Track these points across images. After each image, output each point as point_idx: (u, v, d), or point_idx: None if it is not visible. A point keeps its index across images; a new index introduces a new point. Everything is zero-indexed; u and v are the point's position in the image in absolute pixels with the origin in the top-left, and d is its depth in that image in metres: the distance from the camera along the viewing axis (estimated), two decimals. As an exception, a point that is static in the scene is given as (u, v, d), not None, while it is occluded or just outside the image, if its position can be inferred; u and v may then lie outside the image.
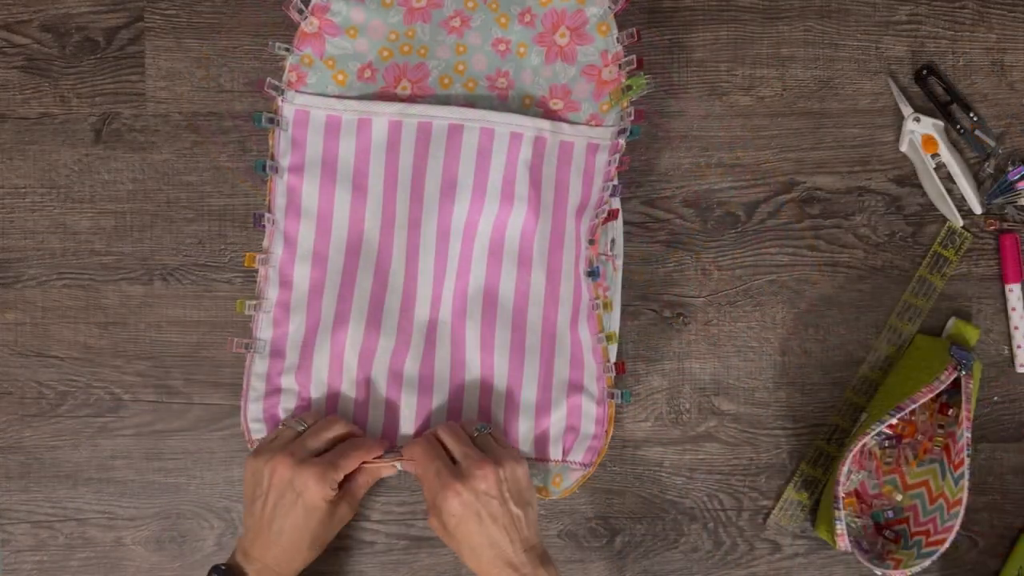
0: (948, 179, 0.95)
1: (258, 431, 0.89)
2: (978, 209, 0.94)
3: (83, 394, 0.93)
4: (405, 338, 0.90)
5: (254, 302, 0.89)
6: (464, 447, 0.82)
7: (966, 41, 0.96)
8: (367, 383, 0.90)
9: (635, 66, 0.90)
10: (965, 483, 0.88)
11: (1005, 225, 0.96)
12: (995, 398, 0.96)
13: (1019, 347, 0.95)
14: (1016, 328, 0.95)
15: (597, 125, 0.91)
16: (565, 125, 0.91)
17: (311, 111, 0.91)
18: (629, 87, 0.90)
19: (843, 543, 0.87)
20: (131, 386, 0.94)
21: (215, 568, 0.82)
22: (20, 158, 0.94)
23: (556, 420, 0.90)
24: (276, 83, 0.90)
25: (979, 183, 0.96)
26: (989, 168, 0.95)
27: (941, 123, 0.94)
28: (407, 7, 0.91)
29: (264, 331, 0.90)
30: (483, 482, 0.79)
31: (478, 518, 0.79)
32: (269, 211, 0.90)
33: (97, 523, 0.94)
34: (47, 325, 0.93)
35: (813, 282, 0.96)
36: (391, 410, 0.90)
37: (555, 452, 0.90)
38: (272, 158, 0.90)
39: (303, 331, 0.90)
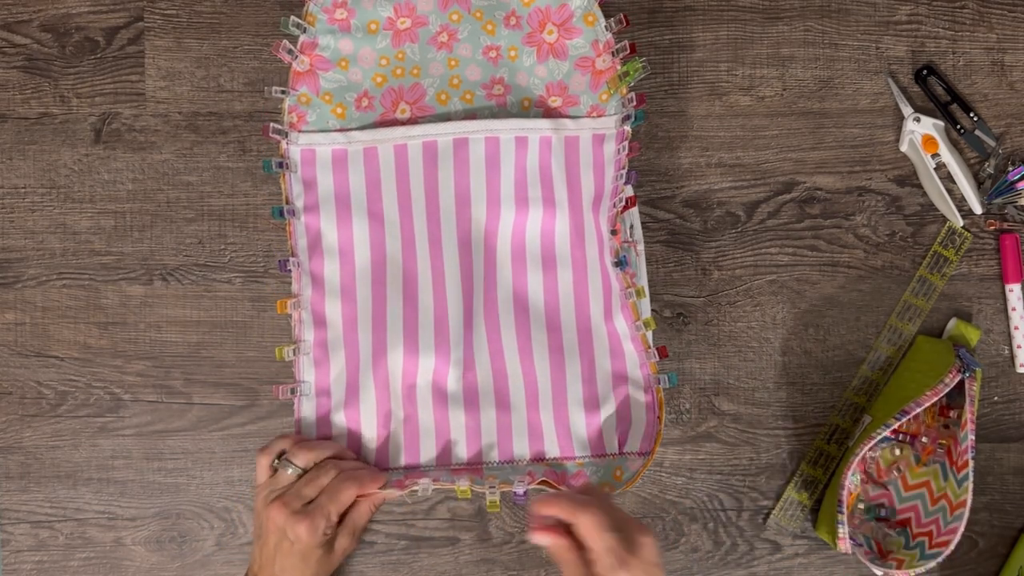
0: (948, 179, 0.94)
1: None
2: (978, 209, 0.94)
3: (83, 394, 0.92)
4: (444, 356, 0.89)
5: (293, 347, 0.88)
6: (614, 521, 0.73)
7: (966, 41, 0.95)
8: (415, 407, 0.90)
9: (628, 52, 0.88)
10: (969, 485, 0.87)
11: (1005, 225, 0.95)
12: (995, 398, 0.95)
13: (1019, 347, 0.94)
14: (1016, 328, 0.94)
15: (599, 116, 0.90)
16: (567, 121, 0.90)
17: (317, 148, 0.90)
18: (626, 73, 0.88)
19: (845, 546, 0.86)
20: (131, 386, 0.93)
21: None
22: (20, 158, 0.93)
23: (606, 414, 0.89)
24: (279, 127, 0.89)
25: (979, 183, 0.95)
26: (989, 168, 0.94)
27: (941, 123, 0.93)
28: (393, 30, 0.90)
29: (307, 373, 0.89)
30: (649, 552, 0.72)
31: None
32: (293, 254, 0.89)
33: (97, 523, 0.93)
34: (47, 325, 0.93)
35: (813, 282, 0.95)
36: (441, 432, 0.89)
37: (611, 446, 0.88)
38: (287, 202, 0.89)
39: (345, 366, 0.90)
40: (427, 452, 0.89)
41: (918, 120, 0.92)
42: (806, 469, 0.93)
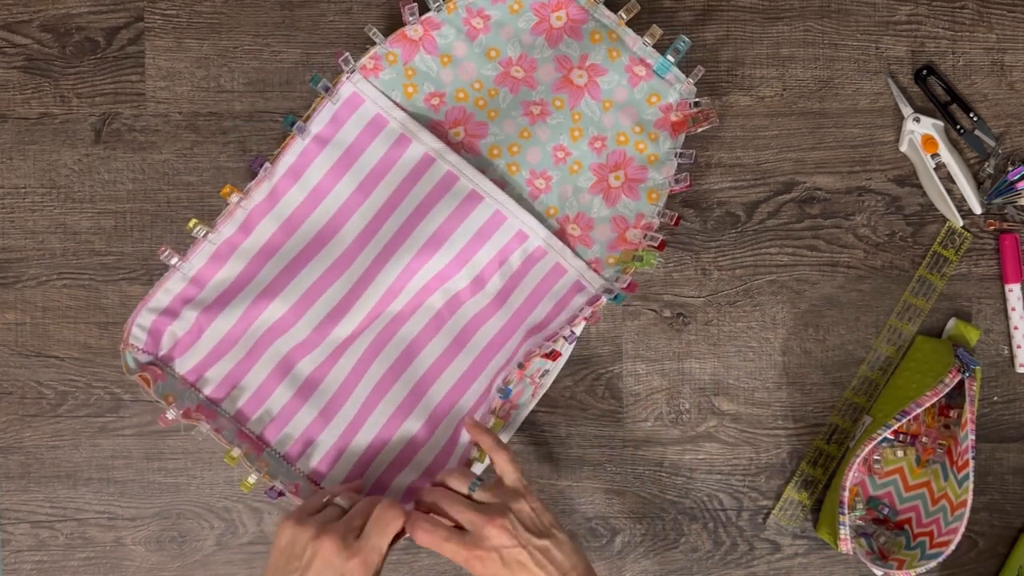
0: (948, 179, 0.93)
1: (137, 339, 0.86)
2: (978, 209, 0.93)
3: (83, 394, 0.92)
4: (316, 339, 0.88)
5: (207, 228, 0.87)
6: (466, 513, 0.78)
7: (966, 41, 0.94)
8: (256, 356, 0.88)
9: (658, 245, 0.87)
10: (970, 484, 0.86)
11: (1005, 225, 0.94)
12: (995, 398, 0.94)
13: (1019, 347, 0.93)
14: (1016, 328, 0.93)
15: (595, 271, 0.90)
16: (570, 252, 0.90)
17: (366, 101, 0.89)
18: (640, 258, 0.87)
19: (846, 547, 0.86)
20: (131, 386, 0.92)
21: None
22: (20, 158, 0.92)
23: (393, 488, 0.88)
24: (351, 60, 0.88)
25: (979, 183, 0.94)
26: (989, 168, 0.94)
27: (941, 123, 0.92)
28: (505, 70, 0.90)
29: (199, 258, 0.88)
30: (497, 538, 0.77)
31: (510, 572, 0.77)
32: (271, 162, 0.88)
33: (97, 523, 0.92)
34: (47, 325, 0.92)
35: (813, 282, 0.94)
36: (259, 395, 0.88)
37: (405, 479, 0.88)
38: (305, 120, 0.88)
39: (234, 278, 0.88)
40: (233, 401, 0.88)
41: (918, 120, 0.92)
42: (806, 469, 0.93)
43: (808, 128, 0.93)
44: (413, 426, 0.89)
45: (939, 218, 0.93)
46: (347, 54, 0.87)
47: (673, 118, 0.90)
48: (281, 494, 0.85)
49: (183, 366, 0.88)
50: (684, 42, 0.87)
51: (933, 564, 0.86)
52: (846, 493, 0.85)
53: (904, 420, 0.85)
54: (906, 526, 0.91)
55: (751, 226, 0.93)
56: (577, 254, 0.90)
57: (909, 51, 0.93)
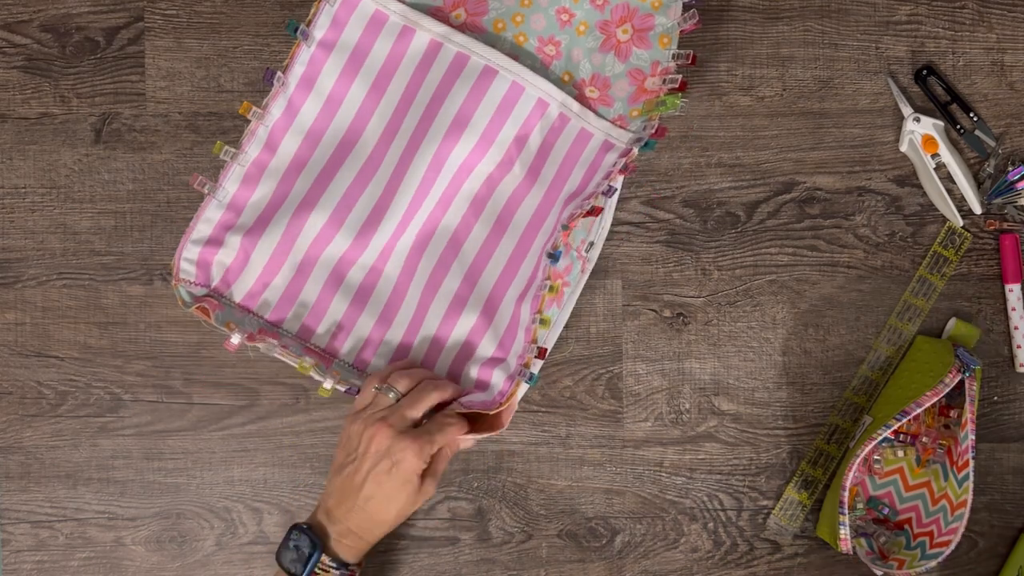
0: (948, 179, 0.93)
1: (187, 272, 0.85)
2: (978, 209, 0.93)
3: (83, 394, 0.92)
4: (361, 245, 0.88)
5: (234, 150, 0.86)
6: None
7: (966, 41, 0.94)
8: (307, 272, 0.88)
9: (677, 86, 0.86)
10: (970, 484, 0.86)
11: (1005, 225, 0.94)
12: (995, 398, 0.94)
13: (1019, 347, 0.93)
14: (1016, 328, 0.93)
15: (621, 127, 0.89)
16: (592, 115, 0.89)
17: None
18: (663, 103, 0.86)
19: (846, 547, 0.86)
20: (131, 386, 0.92)
21: (295, 526, 0.80)
22: (20, 158, 0.92)
23: (468, 374, 0.88)
24: None
25: (979, 183, 0.94)
26: (989, 168, 0.93)
27: (941, 123, 0.92)
28: None
29: (232, 183, 0.87)
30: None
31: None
32: (283, 72, 0.87)
33: (97, 523, 0.92)
34: (47, 325, 0.92)
35: (813, 282, 0.94)
36: (318, 309, 0.88)
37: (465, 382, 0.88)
38: (307, 25, 0.87)
39: (269, 198, 0.88)
40: (294, 321, 0.88)
41: (918, 120, 0.91)
42: (806, 469, 0.93)
43: (808, 128, 0.93)
44: (471, 317, 0.88)
45: (939, 218, 0.93)
46: None
47: None
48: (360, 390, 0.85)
49: (238, 293, 0.88)
50: None
51: (933, 564, 0.86)
52: (846, 493, 0.85)
53: (904, 420, 0.84)
54: (906, 526, 0.91)
55: (751, 226, 0.93)
56: (600, 115, 0.89)
57: (909, 51, 0.93)
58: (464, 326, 0.88)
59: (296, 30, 0.85)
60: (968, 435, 0.86)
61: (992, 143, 0.93)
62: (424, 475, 0.80)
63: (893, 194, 0.93)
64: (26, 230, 0.91)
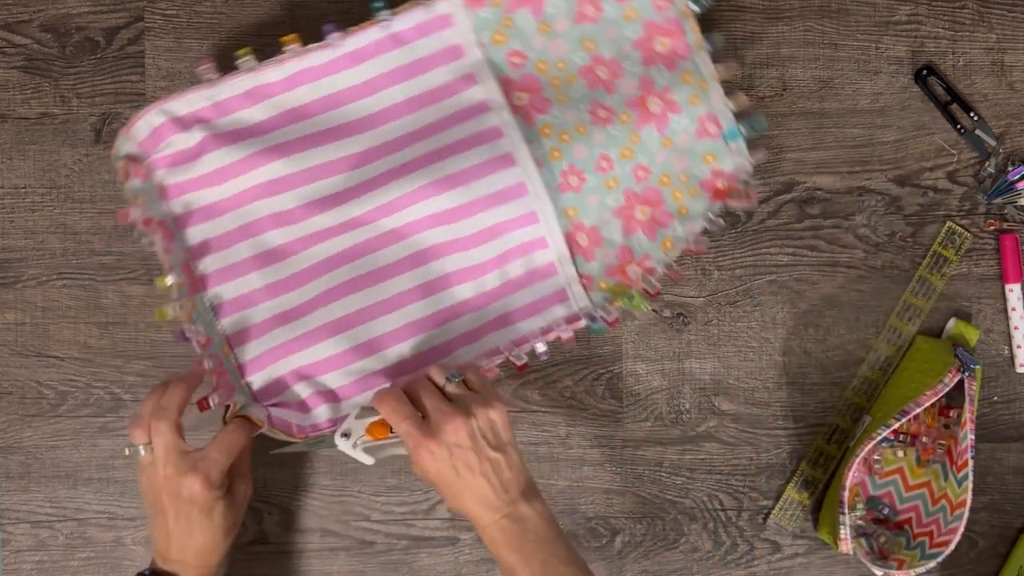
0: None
1: (138, 131, 0.84)
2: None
3: (83, 394, 0.92)
4: (296, 216, 0.86)
5: (255, 62, 0.85)
6: (434, 401, 0.78)
7: (966, 41, 0.94)
8: (236, 204, 0.86)
9: (653, 292, 0.87)
10: (969, 484, 0.86)
11: (1005, 225, 0.94)
12: (995, 398, 0.94)
13: (1019, 347, 0.93)
14: (1016, 328, 0.93)
15: (584, 288, 0.88)
16: (567, 256, 0.88)
17: (455, 27, 0.88)
18: (632, 298, 0.87)
19: (846, 547, 0.86)
20: (131, 386, 0.92)
21: (139, 575, 0.79)
22: (20, 158, 0.92)
23: (290, 392, 0.86)
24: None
25: (979, 183, 0.94)
26: (989, 168, 0.93)
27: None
28: (591, 64, 0.89)
29: (232, 88, 0.86)
30: (454, 435, 0.76)
31: (455, 471, 0.76)
32: (343, 33, 0.85)
33: (97, 523, 0.92)
34: (47, 325, 0.92)
35: (813, 282, 0.94)
36: (220, 241, 0.86)
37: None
38: (392, 12, 0.86)
39: (252, 123, 0.87)
40: (196, 233, 0.86)
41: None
42: (806, 469, 0.93)
43: (808, 128, 0.93)
44: (349, 341, 0.86)
45: (939, 218, 0.93)
46: None
47: (719, 184, 0.89)
48: (187, 340, 0.83)
49: (168, 178, 0.86)
50: (760, 123, 0.87)
51: (933, 564, 0.86)
52: (846, 493, 0.85)
53: (904, 420, 0.84)
54: (906, 526, 0.91)
55: (751, 226, 0.93)
56: (574, 263, 0.89)
57: (909, 51, 0.93)
58: (339, 345, 0.86)
59: (380, 9, 0.85)
60: (968, 435, 0.86)
61: (992, 143, 0.93)
62: (231, 483, 0.81)
63: (893, 194, 0.93)
64: (26, 230, 0.91)
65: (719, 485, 0.93)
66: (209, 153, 0.86)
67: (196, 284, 0.86)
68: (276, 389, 0.86)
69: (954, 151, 0.93)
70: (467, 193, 0.86)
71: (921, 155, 0.93)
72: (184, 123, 0.85)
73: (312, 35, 0.87)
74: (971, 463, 0.86)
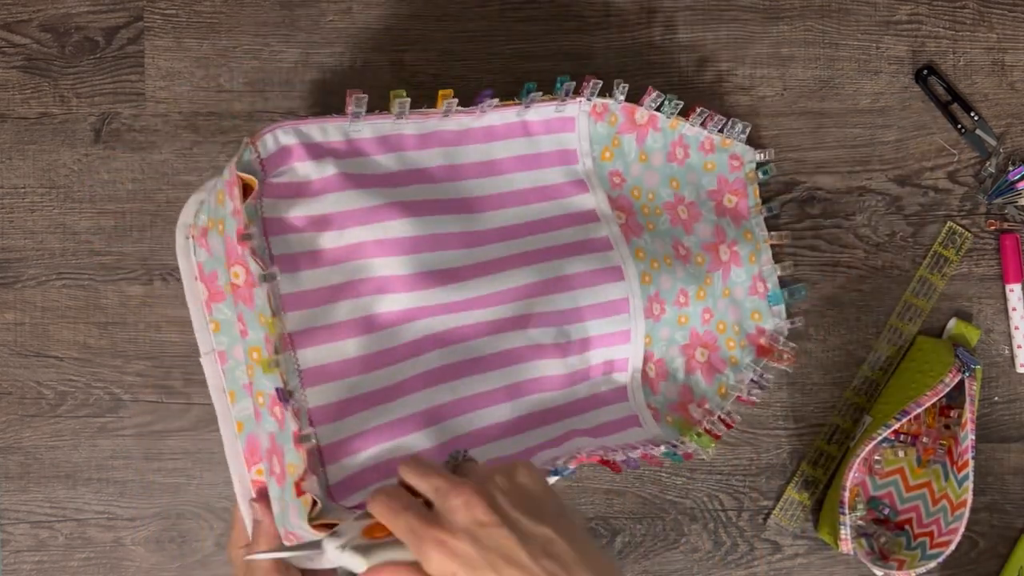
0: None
1: (265, 145, 0.72)
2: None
3: (83, 394, 0.91)
4: (397, 285, 0.76)
5: (404, 110, 0.77)
6: (434, 480, 0.59)
7: (966, 41, 0.94)
8: (342, 257, 0.75)
9: (716, 434, 0.86)
10: (970, 485, 0.86)
11: (1005, 225, 0.94)
12: (995, 398, 0.94)
13: (1019, 347, 0.93)
14: (1016, 328, 0.93)
15: (654, 418, 0.86)
16: (638, 384, 0.87)
17: (576, 132, 0.87)
18: (700, 436, 0.86)
19: (846, 548, 0.86)
20: (131, 386, 0.91)
21: None
22: (20, 158, 0.92)
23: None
24: (596, 90, 0.84)
25: (979, 183, 0.94)
26: (990, 168, 0.93)
27: None
28: (675, 202, 0.89)
29: (372, 128, 0.77)
30: (466, 512, 0.56)
31: (491, 568, 0.54)
32: (494, 105, 0.81)
33: (97, 523, 0.92)
34: (47, 325, 0.91)
35: (813, 282, 0.94)
36: (314, 296, 0.74)
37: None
38: (527, 105, 0.83)
39: (379, 172, 0.77)
40: (294, 282, 0.74)
41: None
42: (806, 469, 0.92)
43: (808, 128, 0.93)
44: (422, 440, 0.76)
45: (939, 218, 0.93)
46: (621, 83, 0.85)
47: (761, 341, 0.90)
48: (287, 401, 0.70)
49: (269, 210, 0.73)
50: (800, 292, 0.90)
51: (933, 564, 0.86)
52: (846, 493, 0.85)
53: (904, 420, 0.84)
54: (907, 526, 0.91)
55: (751, 226, 0.93)
56: (644, 391, 0.88)
57: (909, 51, 0.93)
58: (428, 439, 0.76)
59: (530, 93, 0.82)
60: (968, 435, 0.86)
61: (993, 142, 0.93)
62: None
63: (893, 194, 0.93)
64: (26, 230, 0.91)
65: (719, 485, 0.93)
66: (333, 193, 0.75)
67: (286, 340, 0.72)
68: (355, 485, 0.72)
69: (955, 151, 0.93)
70: (575, 299, 0.84)
71: (922, 155, 0.93)
72: (316, 151, 0.74)
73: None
74: (972, 463, 0.86)
